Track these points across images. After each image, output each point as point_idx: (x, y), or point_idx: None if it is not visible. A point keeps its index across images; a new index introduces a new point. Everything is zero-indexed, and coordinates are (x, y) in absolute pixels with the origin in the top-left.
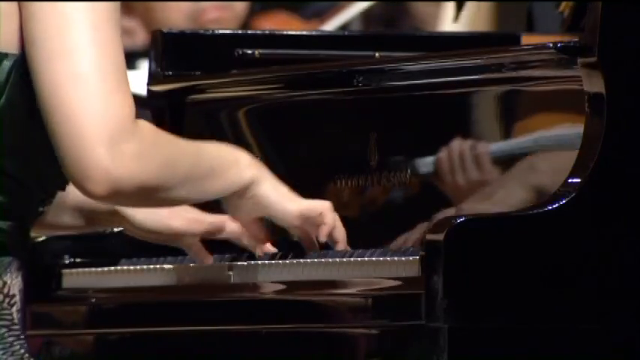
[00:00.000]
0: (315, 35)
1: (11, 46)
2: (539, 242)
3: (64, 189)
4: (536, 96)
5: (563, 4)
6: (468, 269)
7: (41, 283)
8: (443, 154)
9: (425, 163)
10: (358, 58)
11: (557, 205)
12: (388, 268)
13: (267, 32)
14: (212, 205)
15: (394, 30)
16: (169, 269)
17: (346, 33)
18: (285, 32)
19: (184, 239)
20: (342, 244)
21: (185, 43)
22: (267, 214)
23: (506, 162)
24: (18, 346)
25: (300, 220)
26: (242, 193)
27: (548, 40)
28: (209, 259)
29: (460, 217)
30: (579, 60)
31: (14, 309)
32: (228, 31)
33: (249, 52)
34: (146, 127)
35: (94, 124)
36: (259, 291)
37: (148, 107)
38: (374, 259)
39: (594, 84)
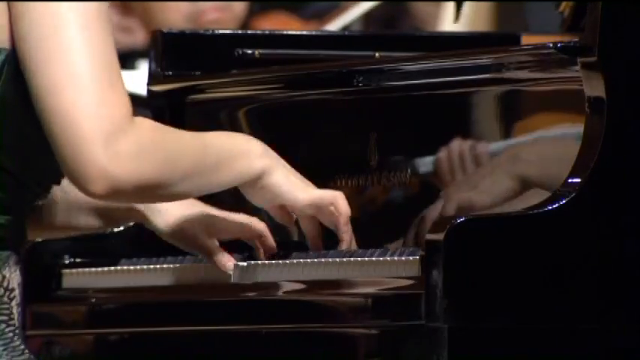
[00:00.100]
0: (315, 35)
1: (2, 41)
2: (539, 242)
3: (59, 183)
4: (536, 96)
5: (563, 4)
6: (468, 269)
7: (41, 283)
8: (443, 154)
9: (425, 163)
10: (358, 58)
11: (557, 205)
12: (388, 268)
13: (267, 32)
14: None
15: (394, 30)
16: (169, 269)
17: (346, 33)
18: (285, 32)
19: (203, 244)
20: (346, 243)
21: (185, 43)
22: (280, 202)
23: (505, 162)
24: (18, 342)
25: (312, 209)
26: (253, 182)
27: (548, 40)
28: (230, 265)
29: (460, 217)
30: (579, 60)
31: (14, 303)
32: (228, 31)
33: (249, 52)
34: (145, 124)
35: (89, 123)
36: (259, 291)
37: (148, 107)
38: (374, 259)
39: (594, 84)
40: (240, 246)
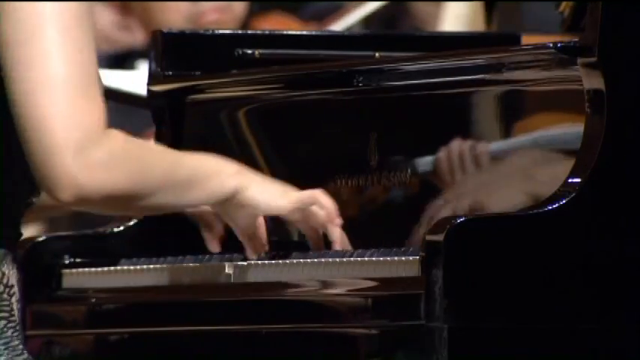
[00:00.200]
0: (315, 35)
1: None
2: (539, 242)
3: None
4: (536, 96)
5: (563, 4)
6: (468, 269)
7: (41, 283)
8: (443, 154)
9: (425, 163)
10: (358, 58)
11: (557, 205)
12: (388, 268)
13: (267, 32)
14: None
15: (394, 30)
16: (169, 269)
17: (346, 33)
18: (285, 32)
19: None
20: (338, 244)
21: (185, 43)
22: (263, 214)
23: (506, 162)
24: (17, 342)
25: (298, 214)
26: (229, 201)
27: (548, 40)
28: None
29: (460, 217)
30: (579, 60)
31: (14, 299)
32: (228, 31)
33: (249, 52)
34: (117, 136)
35: (61, 131)
36: (259, 291)
37: (148, 107)
38: (374, 259)
39: (594, 84)
40: (240, 246)
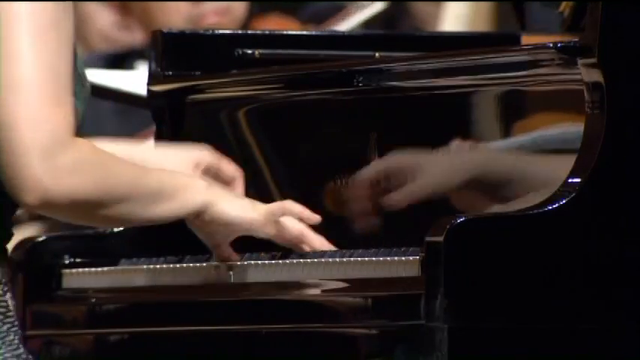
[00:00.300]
0: (315, 35)
1: None
2: (539, 242)
3: None
4: (536, 96)
5: (563, 4)
6: (468, 269)
7: (41, 283)
8: (443, 154)
9: (425, 163)
10: (358, 58)
11: (557, 205)
12: (388, 268)
13: (267, 32)
14: None
15: (394, 30)
16: (169, 269)
17: (346, 33)
18: (285, 32)
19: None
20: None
21: (185, 43)
22: (237, 231)
23: (506, 162)
24: (12, 336)
25: (271, 228)
26: (199, 216)
27: (548, 40)
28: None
29: (460, 217)
30: (579, 60)
31: (8, 296)
32: (228, 31)
33: (249, 52)
34: (84, 143)
35: (28, 132)
36: (259, 291)
37: (148, 107)
38: (374, 259)
39: (594, 84)
40: (240, 246)
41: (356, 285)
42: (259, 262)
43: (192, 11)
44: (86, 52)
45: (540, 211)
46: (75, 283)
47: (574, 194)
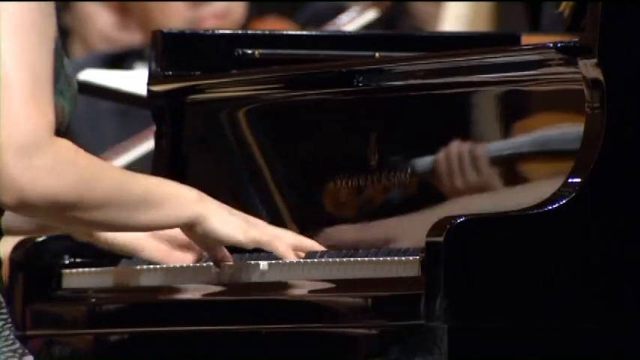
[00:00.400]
0: (315, 35)
1: None
2: (539, 242)
3: None
4: (536, 96)
5: (563, 4)
6: (468, 269)
7: (41, 283)
8: (443, 154)
9: (425, 163)
10: (358, 58)
11: (557, 205)
12: (388, 268)
13: (266, 32)
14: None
15: (394, 30)
16: (169, 269)
17: (346, 33)
18: (284, 32)
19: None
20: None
21: (185, 43)
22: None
23: (506, 162)
24: (7, 332)
25: (259, 245)
26: (190, 228)
27: (548, 40)
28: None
29: (460, 217)
30: (579, 60)
31: None
32: (228, 31)
33: (249, 52)
34: (65, 144)
35: (4, 131)
36: (259, 291)
37: (148, 107)
38: (374, 259)
39: (594, 84)
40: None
41: (356, 285)
42: (259, 262)
43: (192, 14)
44: (86, 52)
45: (540, 211)
46: (75, 283)
47: (574, 194)
